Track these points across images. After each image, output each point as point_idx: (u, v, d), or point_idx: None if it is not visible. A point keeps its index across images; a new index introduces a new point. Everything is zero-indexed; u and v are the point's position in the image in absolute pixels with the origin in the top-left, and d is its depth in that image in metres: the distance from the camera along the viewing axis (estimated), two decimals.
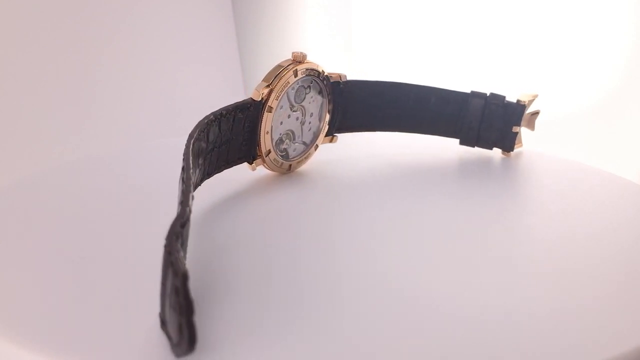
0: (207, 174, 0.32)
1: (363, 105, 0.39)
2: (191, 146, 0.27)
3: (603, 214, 0.33)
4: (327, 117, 0.37)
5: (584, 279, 0.26)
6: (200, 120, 0.30)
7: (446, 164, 0.40)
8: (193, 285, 0.24)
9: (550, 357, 0.20)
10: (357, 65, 0.76)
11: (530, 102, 0.40)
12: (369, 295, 0.24)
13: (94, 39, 0.66)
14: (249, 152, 0.34)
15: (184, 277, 0.18)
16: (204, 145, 0.30)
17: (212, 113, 0.31)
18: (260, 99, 0.33)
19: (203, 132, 0.30)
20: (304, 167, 0.38)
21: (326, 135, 0.38)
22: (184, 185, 0.24)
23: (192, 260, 0.26)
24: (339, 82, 0.37)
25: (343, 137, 0.40)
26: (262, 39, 0.80)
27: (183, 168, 0.26)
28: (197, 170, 0.30)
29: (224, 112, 0.31)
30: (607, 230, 0.31)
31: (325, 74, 0.35)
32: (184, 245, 0.23)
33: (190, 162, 0.26)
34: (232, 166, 0.34)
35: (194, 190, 0.30)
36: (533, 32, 0.67)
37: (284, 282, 0.25)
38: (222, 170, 0.33)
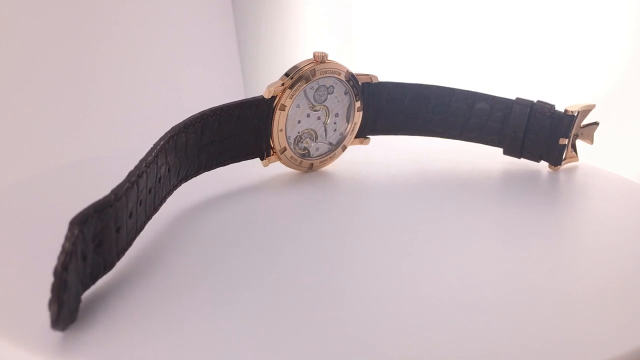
0: (205, 167, 0.32)
1: (398, 108, 0.38)
2: (166, 138, 0.28)
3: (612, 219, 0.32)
4: (357, 118, 0.36)
5: (584, 279, 0.26)
6: (192, 115, 0.30)
7: (485, 175, 0.37)
8: (143, 269, 0.25)
9: (550, 357, 0.20)
10: (357, 65, 0.76)
11: (584, 112, 0.37)
12: (349, 299, 0.24)
13: (94, 39, 0.66)
14: (260, 149, 0.34)
15: (66, 256, 0.20)
16: (196, 138, 0.30)
17: (209, 108, 0.31)
18: (270, 97, 0.33)
19: (193, 126, 0.30)
20: (330, 167, 0.37)
21: (357, 137, 0.37)
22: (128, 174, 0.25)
23: (169, 250, 0.27)
24: (370, 83, 0.36)
25: (376, 140, 0.39)
26: (262, 39, 0.80)
27: None
28: (183, 163, 0.30)
29: (225, 109, 0.32)
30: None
31: (352, 74, 0.35)
32: (120, 229, 0.24)
33: (154, 153, 0.27)
34: (239, 161, 0.34)
35: (182, 182, 0.31)
36: (533, 32, 0.67)
37: (248, 276, 0.25)
38: (227, 164, 0.33)
